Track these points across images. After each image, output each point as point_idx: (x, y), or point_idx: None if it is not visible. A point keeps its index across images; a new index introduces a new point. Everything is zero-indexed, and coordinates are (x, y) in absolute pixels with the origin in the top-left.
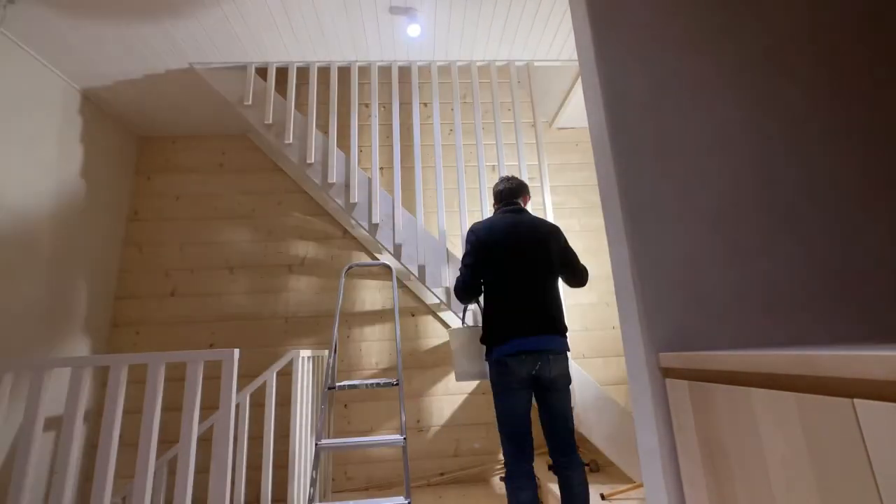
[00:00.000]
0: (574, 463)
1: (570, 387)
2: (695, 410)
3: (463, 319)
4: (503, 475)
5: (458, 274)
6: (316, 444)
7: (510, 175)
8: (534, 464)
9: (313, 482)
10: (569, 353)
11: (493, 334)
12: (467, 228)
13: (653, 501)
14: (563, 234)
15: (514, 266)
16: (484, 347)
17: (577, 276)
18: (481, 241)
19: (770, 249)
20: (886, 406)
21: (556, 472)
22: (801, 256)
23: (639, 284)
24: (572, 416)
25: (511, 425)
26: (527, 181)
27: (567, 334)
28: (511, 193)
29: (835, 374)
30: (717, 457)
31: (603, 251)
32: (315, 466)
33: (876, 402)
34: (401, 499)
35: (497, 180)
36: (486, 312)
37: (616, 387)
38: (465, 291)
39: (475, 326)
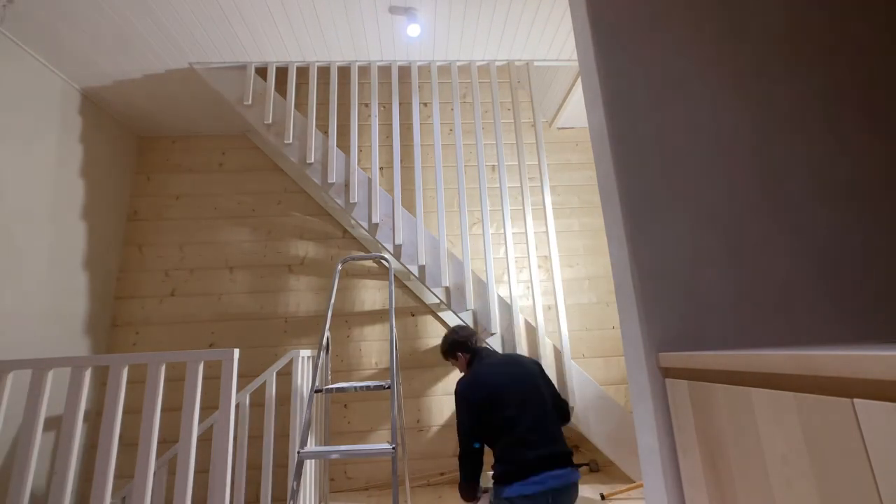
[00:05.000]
0: None
1: (571, 387)
2: (695, 410)
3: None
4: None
5: (465, 435)
6: (298, 453)
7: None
8: None
9: (294, 494)
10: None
11: (507, 474)
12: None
13: (653, 501)
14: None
15: (520, 407)
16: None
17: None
18: (476, 400)
19: (769, 249)
20: (886, 406)
21: None
22: (800, 256)
23: (639, 284)
24: None
25: None
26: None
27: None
28: (475, 341)
29: (834, 373)
30: (717, 457)
31: (603, 251)
32: (297, 476)
33: (876, 402)
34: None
35: (452, 336)
36: (498, 455)
37: (616, 387)
38: (469, 462)
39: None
